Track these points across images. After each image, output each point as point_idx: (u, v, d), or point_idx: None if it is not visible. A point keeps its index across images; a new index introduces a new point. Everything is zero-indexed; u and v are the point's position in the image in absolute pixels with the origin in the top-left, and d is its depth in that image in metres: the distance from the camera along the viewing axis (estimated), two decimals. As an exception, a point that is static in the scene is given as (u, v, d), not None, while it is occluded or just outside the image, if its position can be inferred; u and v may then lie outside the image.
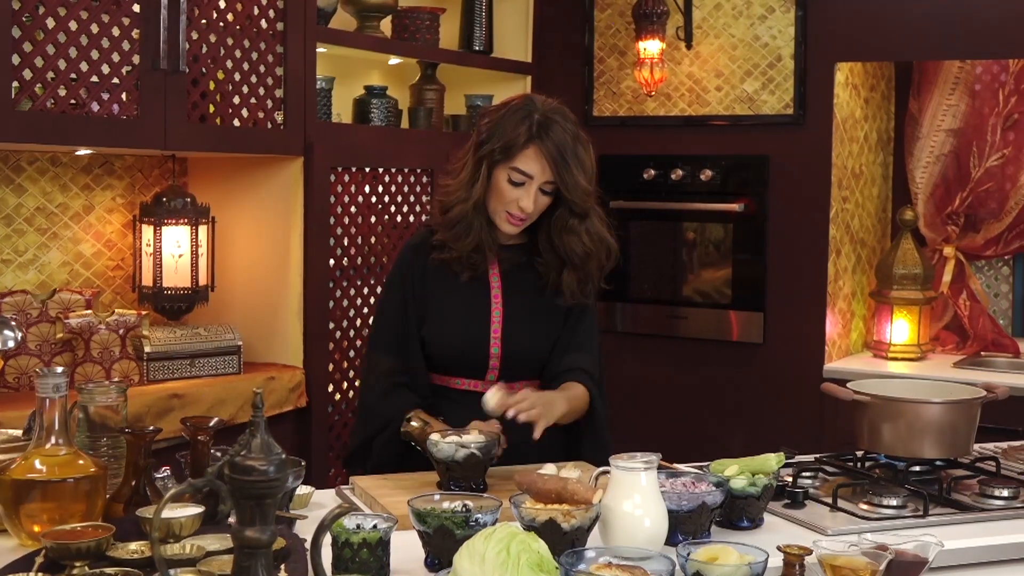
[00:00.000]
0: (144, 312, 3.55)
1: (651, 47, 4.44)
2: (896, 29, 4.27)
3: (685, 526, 2.02)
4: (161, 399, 3.33)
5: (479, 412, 2.51)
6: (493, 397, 2.41)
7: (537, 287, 2.67)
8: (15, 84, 2.95)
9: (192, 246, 3.66)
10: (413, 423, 2.55)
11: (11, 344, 2.23)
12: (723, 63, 4.54)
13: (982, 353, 4.57)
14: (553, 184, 2.55)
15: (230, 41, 3.53)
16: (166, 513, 1.81)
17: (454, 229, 2.60)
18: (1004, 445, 2.85)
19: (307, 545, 1.89)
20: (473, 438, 2.34)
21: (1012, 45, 4.17)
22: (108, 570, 1.77)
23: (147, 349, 3.47)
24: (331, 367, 3.90)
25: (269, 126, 3.67)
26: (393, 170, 4.10)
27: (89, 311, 3.41)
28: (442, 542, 1.87)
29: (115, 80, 3.18)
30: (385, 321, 2.72)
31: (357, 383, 3.98)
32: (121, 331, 3.42)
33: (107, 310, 3.49)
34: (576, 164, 2.53)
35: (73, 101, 3.10)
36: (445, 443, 2.31)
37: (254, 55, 3.60)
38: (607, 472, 2.00)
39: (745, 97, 4.51)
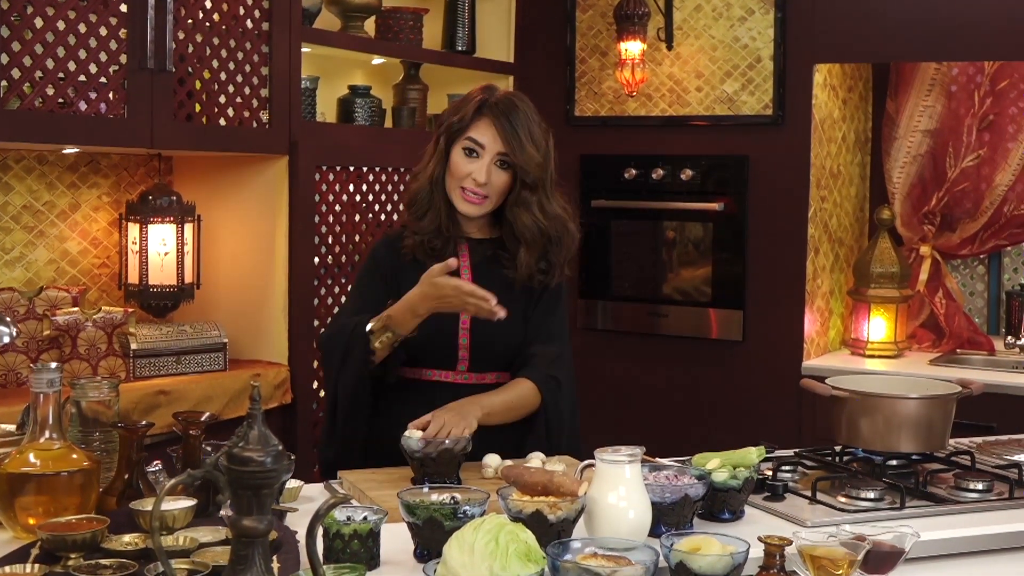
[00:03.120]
0: (130, 309, 3.57)
1: (632, 48, 4.49)
2: (874, 31, 4.32)
3: (668, 518, 2.06)
4: (148, 395, 3.35)
5: (447, 403, 2.54)
6: (414, 435, 2.37)
7: (507, 281, 2.68)
8: (3, 83, 2.97)
9: (178, 244, 3.69)
10: (378, 327, 2.55)
11: (6, 340, 2.26)
12: (703, 64, 4.59)
13: (958, 351, 4.62)
14: (506, 157, 2.60)
15: (216, 41, 3.55)
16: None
17: (412, 208, 2.67)
18: (979, 440, 2.89)
19: (298, 537, 1.93)
20: None
21: (988, 47, 4.23)
22: (103, 561, 1.80)
23: (133, 346, 3.50)
24: (316, 364, 3.92)
25: (254, 125, 3.70)
26: (377, 169, 4.13)
27: (76, 308, 3.43)
28: (431, 533, 1.90)
29: (102, 79, 3.21)
30: (359, 294, 2.74)
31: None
32: (108, 328, 3.44)
33: (93, 307, 3.51)
34: (527, 137, 2.61)
35: (61, 100, 3.12)
36: (417, 439, 2.34)
37: (239, 55, 3.63)
38: (592, 465, 2.04)
39: (725, 98, 4.56)
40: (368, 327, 2.55)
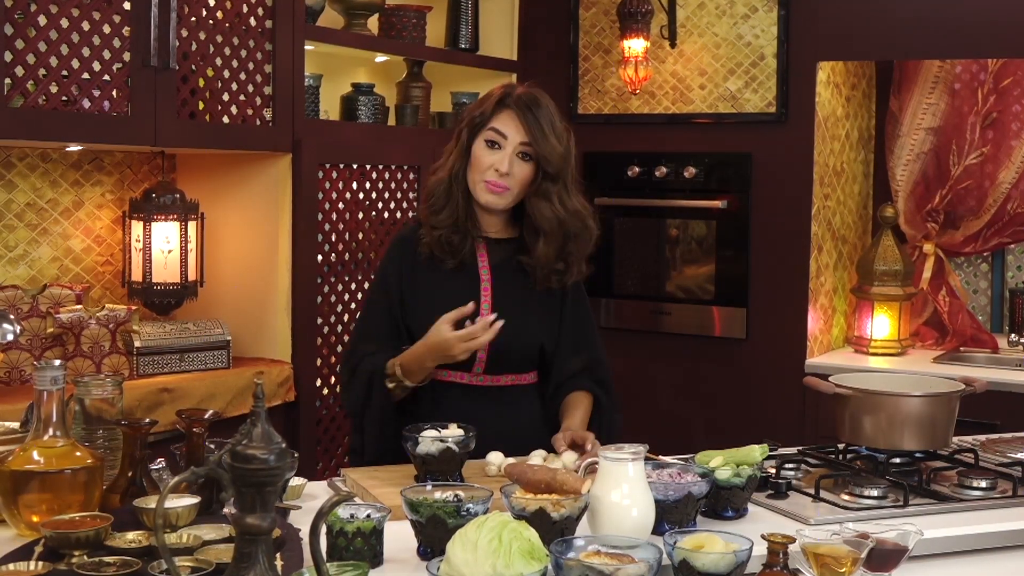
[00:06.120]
0: (134, 307, 3.57)
1: (635, 46, 4.48)
2: (877, 29, 4.32)
3: (671, 515, 2.06)
4: (151, 393, 3.35)
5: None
6: (570, 459, 2.41)
7: (527, 282, 2.69)
8: (7, 81, 2.97)
9: (181, 242, 3.69)
10: (392, 372, 2.61)
11: (10, 337, 2.26)
12: (707, 62, 4.58)
13: (961, 348, 4.62)
14: (529, 147, 2.61)
15: (219, 38, 3.55)
16: (163, 503, 1.84)
17: (431, 202, 2.67)
18: (982, 438, 2.89)
19: (302, 535, 1.94)
20: (450, 432, 2.37)
21: (991, 44, 4.22)
22: (107, 559, 1.80)
23: (137, 344, 3.50)
24: (319, 362, 3.93)
25: (258, 123, 3.70)
26: (380, 167, 4.13)
27: (79, 306, 3.43)
28: (434, 531, 1.90)
29: (106, 77, 3.21)
30: (371, 314, 2.75)
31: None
32: (111, 326, 3.44)
33: (97, 305, 3.51)
34: (550, 128, 2.62)
35: (64, 98, 3.13)
36: (421, 437, 2.34)
37: (243, 52, 3.63)
38: (595, 463, 2.04)
39: (728, 95, 4.56)
40: (387, 373, 2.61)
